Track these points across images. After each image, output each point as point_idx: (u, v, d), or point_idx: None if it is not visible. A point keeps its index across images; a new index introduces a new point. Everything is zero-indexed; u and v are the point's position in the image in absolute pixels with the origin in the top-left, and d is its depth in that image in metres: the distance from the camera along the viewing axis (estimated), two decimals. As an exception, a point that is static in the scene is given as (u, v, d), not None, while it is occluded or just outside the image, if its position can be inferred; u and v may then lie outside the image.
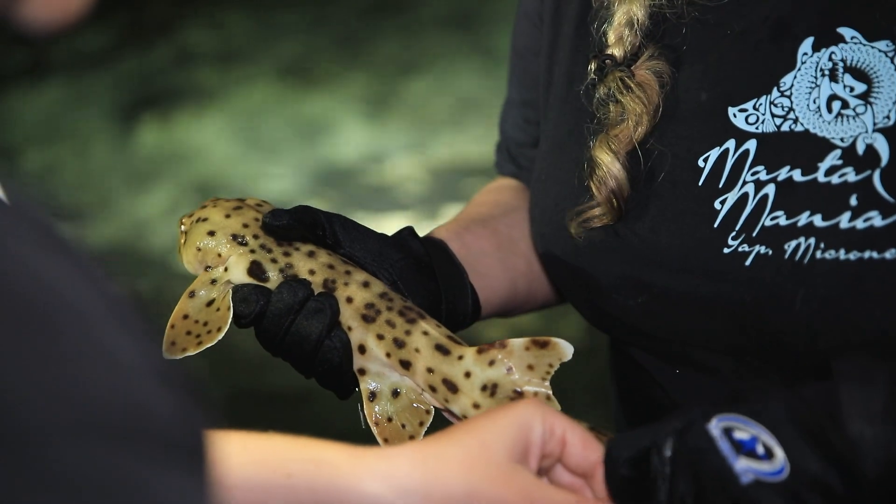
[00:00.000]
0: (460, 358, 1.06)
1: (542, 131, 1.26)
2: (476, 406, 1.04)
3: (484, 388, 1.05)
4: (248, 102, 5.04)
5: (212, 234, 1.11)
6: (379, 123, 4.90)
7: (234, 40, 5.40)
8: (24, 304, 0.51)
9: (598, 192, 1.14)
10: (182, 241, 1.14)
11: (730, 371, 1.13)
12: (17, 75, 5.10)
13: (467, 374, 1.05)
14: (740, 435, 0.97)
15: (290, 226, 1.10)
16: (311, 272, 1.09)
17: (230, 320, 1.08)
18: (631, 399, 1.28)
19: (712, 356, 1.14)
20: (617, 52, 1.15)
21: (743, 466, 0.95)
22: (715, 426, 0.97)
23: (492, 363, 1.05)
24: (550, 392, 1.05)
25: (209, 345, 1.07)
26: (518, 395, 1.04)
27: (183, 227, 1.14)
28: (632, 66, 1.15)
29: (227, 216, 1.12)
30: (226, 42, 5.39)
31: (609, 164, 1.14)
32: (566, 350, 1.05)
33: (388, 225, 4.20)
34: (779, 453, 0.97)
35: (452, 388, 1.05)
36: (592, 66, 1.17)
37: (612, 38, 1.16)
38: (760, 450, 0.96)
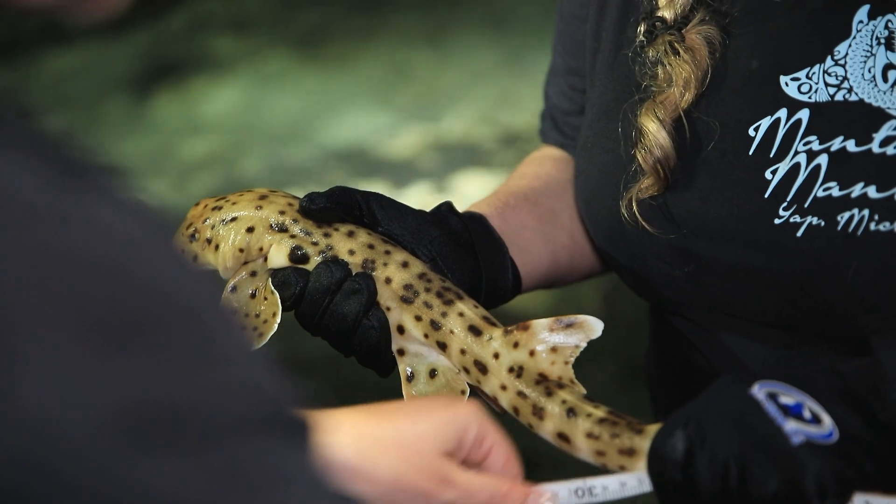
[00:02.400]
0: (490, 339, 1.05)
1: (588, 99, 1.25)
2: (503, 388, 1.03)
3: (511, 369, 1.04)
4: (263, 72, 5.02)
5: (251, 230, 1.10)
6: (393, 96, 4.88)
7: (249, 9, 5.37)
8: (177, 309, 0.53)
9: (643, 161, 1.13)
10: (207, 247, 1.11)
11: (775, 340, 1.13)
12: (31, 42, 5.09)
13: (496, 356, 1.04)
14: (786, 399, 0.96)
15: (327, 208, 1.09)
16: (351, 252, 1.09)
17: (280, 304, 1.08)
18: (670, 365, 1.28)
19: (758, 326, 1.13)
20: (667, 14, 1.14)
21: (793, 427, 0.94)
22: (758, 390, 0.96)
23: (516, 345, 1.04)
24: (573, 375, 1.03)
25: (270, 334, 1.07)
26: (542, 378, 1.02)
27: (198, 233, 1.12)
28: (682, 30, 1.13)
29: (259, 207, 1.11)
30: (241, 11, 5.36)
31: (655, 132, 1.12)
32: (595, 327, 1.03)
33: (403, 198, 4.20)
34: (826, 418, 0.96)
35: (483, 369, 1.04)
36: (641, 29, 1.15)
37: (662, 0, 1.14)
38: (807, 414, 0.95)
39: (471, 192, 4.18)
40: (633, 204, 1.14)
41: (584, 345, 1.03)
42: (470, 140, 4.57)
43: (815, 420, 0.95)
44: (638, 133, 1.14)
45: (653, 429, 0.98)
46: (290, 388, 0.57)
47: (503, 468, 0.96)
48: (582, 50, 1.27)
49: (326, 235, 1.09)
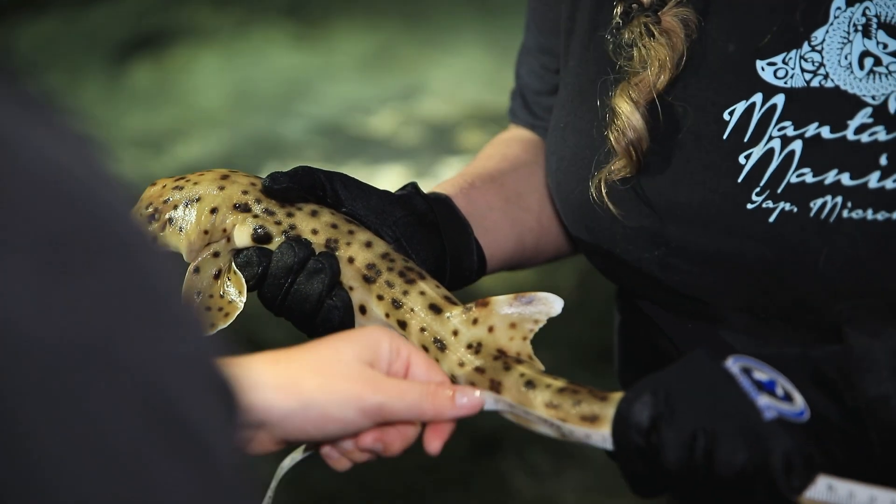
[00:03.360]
0: (449, 317, 1.04)
1: (561, 79, 1.24)
2: (461, 364, 1.03)
3: (469, 346, 1.03)
4: (243, 46, 5.00)
5: (214, 210, 1.09)
6: (374, 72, 4.86)
7: (232, -19, 5.34)
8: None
9: (616, 142, 1.12)
10: (168, 229, 1.10)
11: (743, 326, 1.12)
12: (13, 6, 5.05)
13: (455, 333, 1.04)
14: (759, 375, 0.95)
15: (290, 188, 1.09)
16: (314, 232, 1.08)
17: (244, 283, 1.07)
18: (636, 350, 1.27)
19: (727, 312, 1.13)
20: None
21: (765, 402, 0.93)
22: (732, 364, 0.95)
23: (475, 322, 1.03)
24: (531, 352, 1.02)
25: (235, 314, 1.07)
26: (500, 354, 1.02)
27: (159, 214, 1.10)
28: (658, 12, 1.12)
29: (222, 188, 1.10)
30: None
31: (629, 113, 1.12)
32: (554, 304, 1.02)
33: (383, 175, 4.21)
34: (798, 397, 0.95)
35: (442, 346, 1.04)
36: (618, 10, 1.15)
37: None
38: (780, 391, 0.95)
39: (449, 173, 4.18)
40: (603, 185, 1.14)
41: (543, 320, 1.02)
42: (450, 121, 4.56)
43: (788, 398, 0.95)
44: (611, 114, 1.13)
45: (617, 396, 0.97)
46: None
47: (427, 375, 1.00)
48: (555, 29, 1.26)
49: (289, 215, 1.09)
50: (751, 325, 1.12)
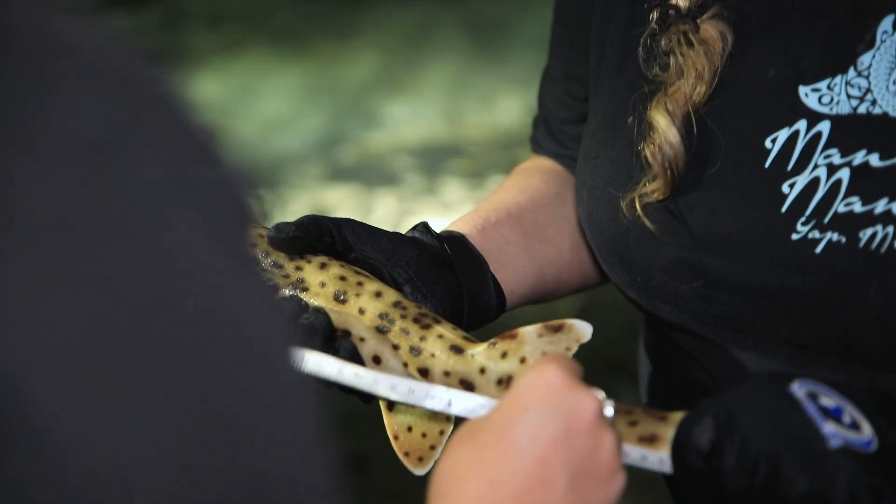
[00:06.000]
0: (473, 356, 1.01)
1: (591, 107, 1.21)
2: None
3: (500, 381, 1.00)
4: (239, 68, 4.98)
5: None
6: (370, 94, 4.84)
7: (227, 5, 5.32)
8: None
9: (652, 157, 1.09)
10: None
11: (786, 357, 1.09)
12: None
13: (482, 371, 1.00)
14: (826, 401, 0.92)
15: (295, 237, 1.05)
16: (322, 285, 1.05)
17: None
18: (667, 380, 1.24)
19: (769, 344, 1.09)
20: (682, 2, 1.10)
21: (831, 430, 0.90)
22: (798, 388, 0.92)
23: (504, 355, 1.00)
24: None
25: None
26: None
27: None
28: (697, 19, 1.10)
29: None
30: (218, 6, 5.31)
31: (665, 128, 1.09)
32: (584, 330, 1.00)
33: (381, 199, 4.18)
34: (866, 426, 0.92)
35: (469, 387, 1.01)
36: (654, 16, 1.12)
37: None
38: (847, 419, 0.91)
39: (451, 196, 4.15)
40: (638, 204, 1.10)
41: (574, 347, 1.00)
42: (449, 141, 4.54)
43: (855, 426, 0.91)
44: (647, 128, 1.10)
45: (676, 417, 0.94)
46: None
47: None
48: (582, 56, 1.23)
49: (298, 269, 1.05)
50: (794, 357, 1.09)
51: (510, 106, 4.76)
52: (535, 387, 0.86)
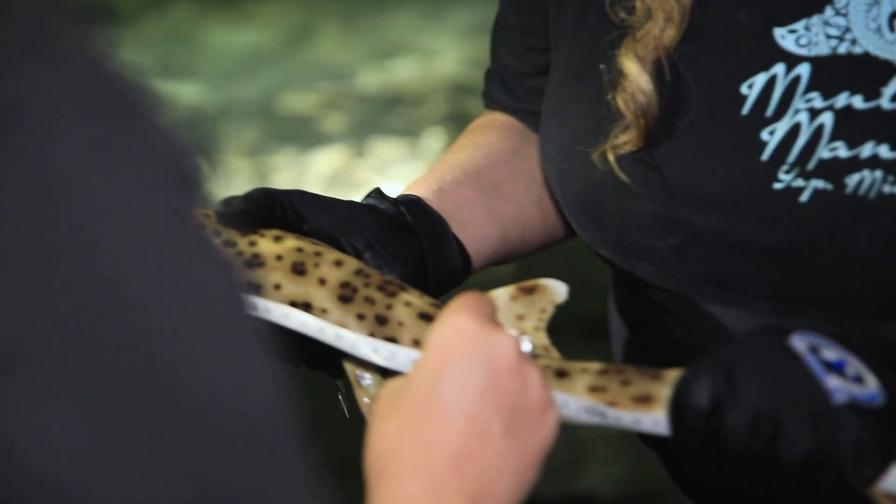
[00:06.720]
0: None
1: (553, 60, 1.16)
2: None
3: None
4: (162, 27, 4.89)
5: None
6: (302, 51, 4.78)
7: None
8: None
9: (625, 106, 1.05)
10: None
11: (769, 311, 1.06)
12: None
13: None
14: (828, 354, 0.88)
15: (245, 210, 1.01)
16: (279, 258, 1.00)
17: None
18: (645, 342, 1.20)
19: (751, 298, 1.06)
20: None
21: (835, 384, 0.86)
22: (798, 342, 0.88)
23: None
24: (548, 342, 0.95)
25: None
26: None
27: None
28: None
29: None
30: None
31: (637, 74, 1.04)
32: (558, 290, 0.96)
33: (316, 157, 4.12)
34: (871, 379, 0.88)
35: None
36: None
37: None
38: (851, 372, 0.88)
39: (386, 153, 4.11)
40: (611, 157, 1.06)
41: (550, 309, 0.96)
42: (381, 97, 4.49)
43: (859, 380, 0.88)
44: (617, 75, 1.06)
45: (672, 375, 0.90)
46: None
47: None
48: (539, 5, 1.18)
49: (252, 244, 1.01)
50: (778, 311, 1.05)
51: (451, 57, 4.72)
52: (449, 340, 0.83)
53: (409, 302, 0.97)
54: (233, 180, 3.91)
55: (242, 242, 1.01)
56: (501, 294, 0.96)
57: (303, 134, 4.28)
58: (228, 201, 1.02)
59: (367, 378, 1.01)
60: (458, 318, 0.83)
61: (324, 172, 4.03)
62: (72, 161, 0.47)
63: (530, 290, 0.96)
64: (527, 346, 0.87)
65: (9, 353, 0.45)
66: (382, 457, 0.81)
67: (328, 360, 1.00)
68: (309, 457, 0.53)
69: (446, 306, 0.87)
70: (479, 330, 0.83)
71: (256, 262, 1.00)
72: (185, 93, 4.52)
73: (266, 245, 1.00)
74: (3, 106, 0.47)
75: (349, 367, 1.00)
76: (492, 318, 0.85)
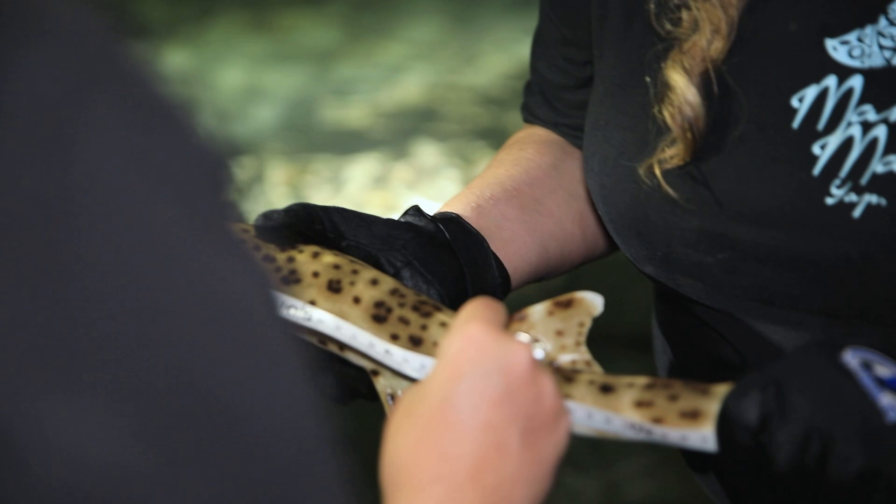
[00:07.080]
0: None
1: (596, 73, 1.14)
2: None
3: None
4: (204, 40, 4.91)
5: None
6: (340, 62, 4.79)
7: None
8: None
9: (671, 119, 1.03)
10: None
11: (818, 328, 1.03)
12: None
13: None
14: (882, 371, 0.86)
15: (284, 224, 1.00)
16: (315, 275, 0.99)
17: None
18: (690, 360, 1.18)
19: (802, 315, 1.04)
20: None
21: (888, 402, 0.85)
22: (851, 358, 0.86)
23: None
24: (589, 357, 0.94)
25: None
26: (554, 369, 0.92)
27: None
28: None
29: None
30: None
31: (684, 87, 1.02)
32: (595, 303, 0.94)
33: (354, 166, 4.12)
34: None
35: None
36: None
37: None
38: None
39: (427, 159, 4.11)
40: (657, 171, 1.04)
41: (588, 321, 0.94)
42: (422, 105, 4.49)
43: None
44: (663, 88, 1.04)
45: (720, 390, 0.88)
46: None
47: None
48: (581, 19, 1.16)
49: (290, 260, 1.00)
50: (828, 328, 1.03)
51: (489, 67, 4.71)
52: (463, 350, 0.82)
53: (445, 322, 0.96)
54: (270, 190, 3.92)
55: (281, 258, 1.00)
56: (538, 310, 0.94)
57: (341, 144, 4.29)
58: (268, 215, 1.01)
59: (398, 397, 0.99)
60: (471, 328, 0.82)
61: (361, 183, 4.03)
62: (109, 166, 0.47)
63: (567, 304, 0.94)
64: (539, 354, 0.86)
65: (44, 367, 0.45)
66: (399, 469, 0.80)
67: (360, 383, 1.00)
68: (345, 471, 0.52)
69: (458, 314, 0.86)
70: (492, 339, 0.82)
71: (293, 277, 0.99)
72: (224, 99, 4.54)
73: (304, 261, 1.00)
74: (37, 111, 0.46)
75: (379, 389, 0.99)
76: (503, 325, 0.84)
